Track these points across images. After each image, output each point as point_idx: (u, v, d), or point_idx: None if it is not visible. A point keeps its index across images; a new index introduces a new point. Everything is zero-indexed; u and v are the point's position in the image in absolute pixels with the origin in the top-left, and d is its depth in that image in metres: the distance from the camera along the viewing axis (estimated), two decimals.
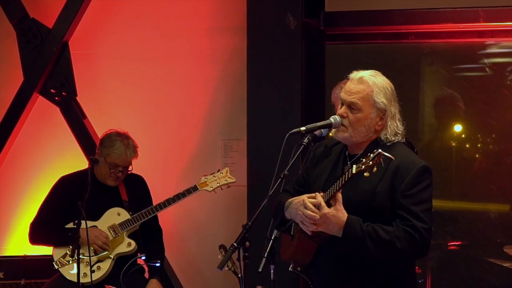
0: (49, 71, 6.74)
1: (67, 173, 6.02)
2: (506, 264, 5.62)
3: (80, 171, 5.96)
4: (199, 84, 6.86)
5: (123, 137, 5.85)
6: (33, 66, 6.72)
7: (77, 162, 6.63)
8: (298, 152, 3.82)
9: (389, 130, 3.91)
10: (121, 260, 5.76)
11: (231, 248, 3.71)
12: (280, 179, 3.78)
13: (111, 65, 6.97)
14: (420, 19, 6.24)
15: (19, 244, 6.84)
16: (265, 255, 3.75)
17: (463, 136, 7.14)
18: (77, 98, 6.79)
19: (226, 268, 5.52)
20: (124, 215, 5.83)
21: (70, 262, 5.72)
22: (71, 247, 5.63)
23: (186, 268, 6.37)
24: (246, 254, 3.75)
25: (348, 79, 3.96)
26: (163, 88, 6.90)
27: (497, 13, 6.10)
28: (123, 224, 5.80)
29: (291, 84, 6.09)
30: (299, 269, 4.07)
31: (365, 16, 6.37)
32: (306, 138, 3.85)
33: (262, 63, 6.15)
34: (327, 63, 6.35)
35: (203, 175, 5.94)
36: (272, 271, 3.82)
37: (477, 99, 7.16)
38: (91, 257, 5.58)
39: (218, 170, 6.00)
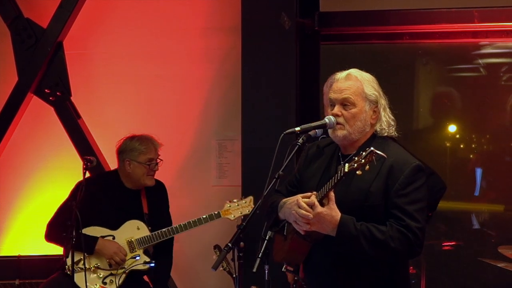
0: (44, 71, 6.73)
1: (88, 175, 6.00)
2: (500, 265, 5.61)
3: (102, 173, 5.94)
4: (194, 84, 6.85)
5: (136, 137, 5.88)
6: (28, 66, 6.71)
7: (72, 162, 6.63)
8: (292, 153, 3.82)
9: (384, 121, 3.94)
10: (133, 273, 5.75)
11: (225, 249, 3.72)
12: (274, 180, 3.78)
13: (106, 65, 6.96)
14: (414, 19, 6.25)
15: (13, 244, 6.83)
16: (260, 256, 3.75)
17: (457, 136, 7.15)
18: (72, 98, 6.78)
19: (221, 268, 5.53)
20: (143, 230, 5.79)
21: (83, 270, 5.69)
22: (85, 254, 5.65)
23: (181, 268, 6.36)
24: (240, 254, 3.75)
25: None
26: (157, 88, 6.90)
27: (492, 14, 6.12)
28: (141, 241, 5.76)
29: (286, 84, 6.10)
30: (292, 269, 4.07)
31: (360, 16, 6.37)
32: (301, 138, 3.86)
33: (256, 63, 6.15)
34: (321, 63, 6.36)
35: (227, 201, 5.87)
36: (266, 271, 3.83)
37: (471, 99, 7.17)
38: (103, 269, 5.63)
39: (242, 198, 5.95)
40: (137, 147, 5.80)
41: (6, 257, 6.56)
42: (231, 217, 5.86)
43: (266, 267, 3.80)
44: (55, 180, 6.84)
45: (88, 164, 5.64)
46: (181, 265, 6.76)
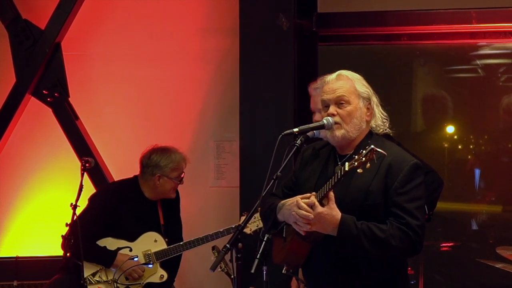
0: (42, 72, 6.73)
1: (108, 184, 5.93)
2: (498, 265, 5.61)
3: (122, 182, 5.92)
4: (192, 85, 6.85)
5: (168, 152, 5.84)
6: (26, 67, 6.71)
7: (70, 163, 6.62)
8: (291, 154, 3.82)
9: (378, 117, 3.96)
10: (149, 285, 5.75)
11: (224, 249, 3.72)
12: (272, 180, 3.79)
13: (104, 66, 6.96)
14: (412, 20, 6.25)
15: (12, 245, 6.82)
16: (258, 256, 3.75)
17: (455, 137, 7.16)
18: (70, 99, 6.78)
19: (219, 269, 5.52)
20: (161, 243, 5.77)
21: (100, 282, 5.67)
22: (102, 266, 5.66)
23: (179, 269, 6.35)
24: (238, 255, 3.75)
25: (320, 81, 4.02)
26: (155, 89, 6.90)
27: (489, 15, 6.12)
28: (158, 254, 5.74)
29: (284, 85, 6.10)
30: (291, 270, 4.07)
31: (358, 17, 6.38)
32: (299, 139, 3.86)
33: (254, 64, 6.15)
34: (319, 65, 6.36)
35: (243, 214, 5.73)
36: (264, 272, 3.83)
37: (469, 100, 7.18)
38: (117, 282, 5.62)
39: (258, 210, 5.89)
40: (169, 164, 5.77)
41: (4, 258, 6.56)
42: (248, 230, 5.66)
43: (264, 268, 3.81)
44: (54, 181, 6.84)
45: (86, 165, 5.63)
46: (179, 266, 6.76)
